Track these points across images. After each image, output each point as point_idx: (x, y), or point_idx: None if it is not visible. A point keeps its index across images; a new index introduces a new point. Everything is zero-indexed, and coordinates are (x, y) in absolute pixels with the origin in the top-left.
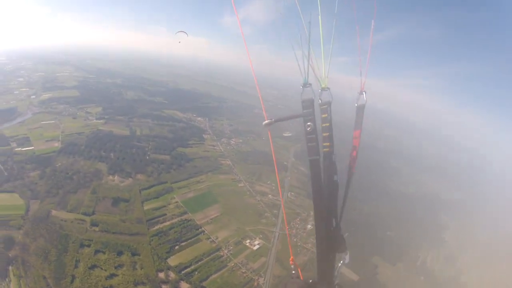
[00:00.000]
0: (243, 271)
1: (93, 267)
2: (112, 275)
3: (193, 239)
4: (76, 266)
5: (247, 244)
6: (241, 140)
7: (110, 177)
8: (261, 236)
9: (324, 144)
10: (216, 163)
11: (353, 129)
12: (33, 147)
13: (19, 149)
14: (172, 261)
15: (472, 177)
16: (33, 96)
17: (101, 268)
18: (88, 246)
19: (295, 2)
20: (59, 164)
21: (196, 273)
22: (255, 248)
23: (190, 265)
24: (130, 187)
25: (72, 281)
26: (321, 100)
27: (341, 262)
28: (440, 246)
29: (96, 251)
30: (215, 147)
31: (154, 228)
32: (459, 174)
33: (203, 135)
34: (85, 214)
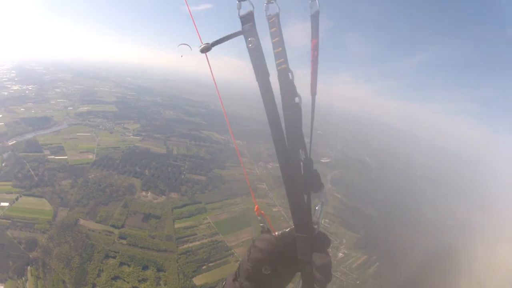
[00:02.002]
0: None
1: (116, 278)
2: None
3: (221, 260)
4: (98, 275)
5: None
6: (278, 165)
7: (143, 193)
8: None
9: (277, 61)
10: (252, 187)
11: (311, 39)
12: (66, 157)
13: (52, 157)
14: (198, 280)
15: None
16: (71, 108)
17: (124, 280)
18: (114, 257)
19: None
20: (92, 175)
21: None
22: None
23: (216, 286)
24: (163, 204)
25: None
26: (269, 14)
27: (320, 203)
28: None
29: (121, 263)
30: (252, 171)
31: (183, 247)
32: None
33: (242, 158)
34: (114, 226)
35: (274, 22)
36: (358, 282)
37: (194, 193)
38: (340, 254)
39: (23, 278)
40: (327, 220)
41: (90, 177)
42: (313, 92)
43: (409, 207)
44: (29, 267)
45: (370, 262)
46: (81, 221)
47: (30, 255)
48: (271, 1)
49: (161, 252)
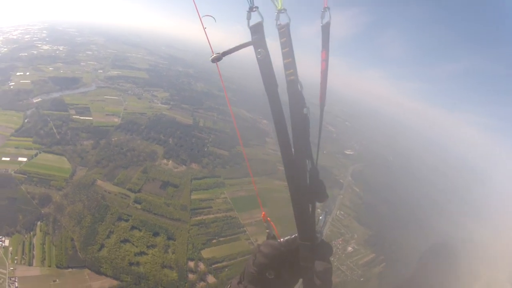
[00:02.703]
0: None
1: (125, 241)
2: (142, 253)
3: (232, 236)
4: (108, 237)
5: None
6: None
7: (165, 161)
8: None
9: (287, 72)
10: (274, 168)
11: (321, 50)
12: (91, 118)
13: (77, 117)
14: (206, 253)
15: None
16: (101, 71)
17: (133, 244)
18: (126, 220)
19: None
20: (115, 138)
21: (226, 270)
22: None
23: (223, 261)
24: (182, 174)
25: (99, 249)
26: (279, 24)
27: (324, 213)
28: None
29: (133, 227)
30: (276, 152)
31: (196, 218)
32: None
33: (266, 138)
34: (130, 190)
35: (284, 32)
36: (362, 279)
37: (215, 166)
38: (350, 248)
39: (31, 233)
40: (342, 212)
41: (113, 139)
42: (322, 103)
43: (423, 215)
44: (39, 223)
45: (376, 261)
46: (98, 182)
47: (42, 211)
48: (282, 11)
49: (174, 220)
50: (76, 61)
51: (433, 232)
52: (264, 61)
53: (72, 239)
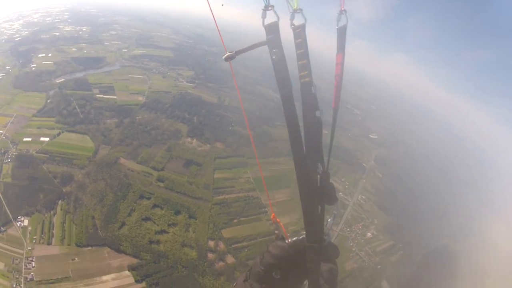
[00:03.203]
0: None
1: (146, 219)
2: (162, 231)
3: (253, 217)
4: (129, 215)
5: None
6: (326, 132)
7: (189, 139)
8: None
9: (301, 73)
10: None
11: (336, 54)
12: (115, 97)
13: (101, 96)
14: (226, 233)
15: None
16: (125, 50)
17: (154, 222)
18: (148, 198)
19: None
20: (139, 117)
21: (246, 250)
22: None
23: (243, 241)
24: (206, 153)
25: (120, 227)
26: (293, 24)
27: (333, 216)
28: None
29: (154, 206)
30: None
31: (219, 197)
32: None
33: None
34: (154, 168)
35: (300, 33)
36: (379, 266)
37: (239, 146)
38: (369, 234)
39: (52, 212)
40: (363, 197)
41: (137, 118)
42: (336, 107)
43: (441, 205)
44: (60, 201)
45: (394, 249)
46: (122, 160)
47: (64, 190)
48: (297, 11)
49: (196, 199)
50: (100, 41)
51: (449, 224)
52: (279, 62)
53: (93, 218)
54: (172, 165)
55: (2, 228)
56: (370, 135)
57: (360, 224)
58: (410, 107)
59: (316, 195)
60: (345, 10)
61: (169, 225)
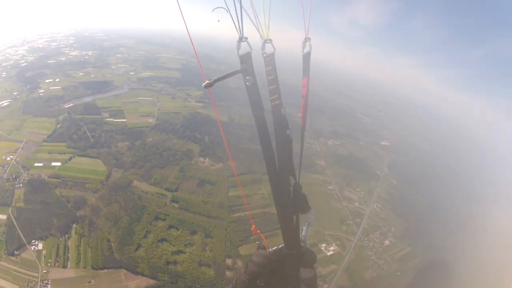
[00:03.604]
0: None
1: (162, 240)
2: (179, 252)
3: (270, 232)
4: (145, 237)
5: (322, 248)
6: (338, 142)
7: (201, 159)
8: (338, 242)
9: (272, 97)
10: (310, 162)
11: (302, 77)
12: (125, 120)
13: (111, 119)
14: (244, 250)
15: None
16: (132, 73)
17: (170, 243)
18: (163, 220)
19: None
20: (151, 139)
21: None
22: (328, 253)
23: None
24: (219, 171)
25: (136, 249)
26: (265, 53)
27: (307, 223)
28: None
29: (170, 226)
30: (312, 146)
31: (234, 215)
32: None
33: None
34: (167, 189)
35: (270, 61)
36: (398, 273)
37: (252, 163)
38: (387, 242)
39: (66, 236)
40: (379, 205)
41: (148, 140)
42: (303, 127)
43: (458, 208)
44: (74, 225)
45: (413, 255)
46: (135, 183)
47: (77, 213)
48: (267, 41)
49: (212, 218)
50: (107, 65)
51: (468, 227)
52: (253, 88)
53: (108, 240)
54: (185, 186)
55: (16, 252)
56: (382, 142)
57: (377, 232)
58: (421, 111)
59: (290, 205)
60: (309, 38)
61: (185, 245)
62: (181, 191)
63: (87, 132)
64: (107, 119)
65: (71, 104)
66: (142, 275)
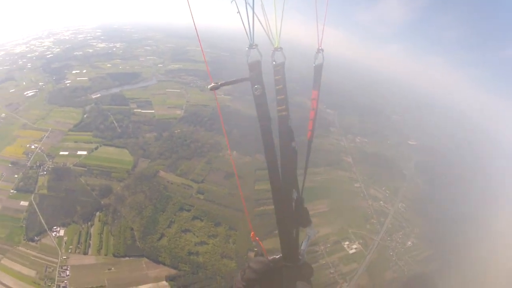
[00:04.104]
0: (331, 271)
1: (186, 231)
2: (202, 243)
3: None
4: (169, 226)
5: (345, 246)
6: (366, 140)
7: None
8: (361, 241)
9: (279, 108)
10: (337, 158)
11: (312, 89)
12: (153, 111)
13: (139, 110)
14: (267, 243)
15: None
16: (161, 65)
17: (194, 234)
18: (188, 210)
19: None
20: (178, 130)
21: None
22: (351, 252)
23: None
24: (247, 165)
25: (159, 239)
26: (274, 62)
27: (307, 237)
28: None
29: (194, 217)
30: (340, 142)
31: (259, 209)
32: None
33: (330, 127)
34: (194, 181)
35: (279, 70)
36: (416, 275)
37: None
38: (409, 243)
39: (89, 223)
40: (403, 205)
41: (176, 131)
42: (310, 140)
43: (484, 213)
44: (98, 213)
45: (434, 258)
46: (161, 173)
47: (102, 202)
48: (278, 49)
49: (237, 211)
50: (135, 57)
51: (493, 231)
52: (260, 97)
53: (131, 229)
54: (212, 177)
55: (36, 238)
56: (409, 142)
57: (401, 232)
58: (447, 110)
59: (291, 218)
60: (322, 49)
61: (209, 236)
62: (207, 183)
63: (114, 122)
64: (135, 110)
65: (98, 95)
66: (164, 264)
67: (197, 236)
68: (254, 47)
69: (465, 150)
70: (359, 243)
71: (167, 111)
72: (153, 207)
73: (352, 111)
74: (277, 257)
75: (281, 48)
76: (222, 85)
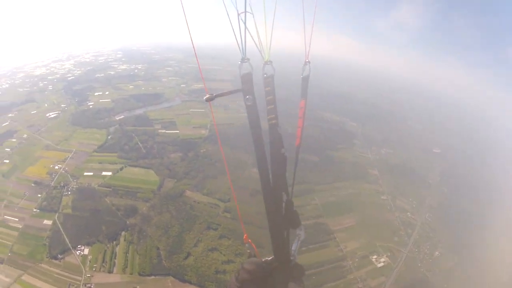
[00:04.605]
0: (360, 286)
1: (213, 249)
2: (229, 261)
3: (321, 243)
4: (195, 245)
5: (373, 259)
6: (391, 151)
7: (254, 169)
8: (389, 254)
9: (269, 116)
10: (363, 171)
11: (300, 99)
12: (178, 131)
13: (163, 131)
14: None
15: None
16: (183, 85)
17: (221, 253)
18: (215, 229)
19: None
20: (204, 150)
21: (313, 277)
22: (379, 265)
23: (310, 268)
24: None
25: (186, 258)
26: (265, 74)
27: (297, 239)
28: None
29: (221, 236)
30: (364, 155)
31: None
32: None
33: (354, 140)
34: (220, 199)
35: (269, 82)
36: (445, 286)
37: (305, 173)
38: (437, 253)
39: (114, 243)
40: (430, 215)
41: (201, 151)
42: (298, 146)
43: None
44: (123, 232)
45: (461, 268)
46: (187, 193)
47: (127, 221)
48: (268, 63)
49: (264, 229)
50: (156, 78)
51: None
52: (252, 107)
53: (157, 248)
54: (238, 196)
55: (59, 256)
56: (433, 150)
57: (428, 243)
58: (468, 113)
59: (282, 221)
60: (309, 61)
61: (236, 254)
62: (233, 201)
63: (138, 143)
64: (159, 131)
65: (122, 116)
66: (190, 283)
67: (224, 255)
68: (246, 60)
69: (490, 154)
70: (387, 256)
71: (192, 131)
72: (179, 226)
73: (376, 121)
74: (269, 258)
75: (270, 61)
76: (217, 96)
